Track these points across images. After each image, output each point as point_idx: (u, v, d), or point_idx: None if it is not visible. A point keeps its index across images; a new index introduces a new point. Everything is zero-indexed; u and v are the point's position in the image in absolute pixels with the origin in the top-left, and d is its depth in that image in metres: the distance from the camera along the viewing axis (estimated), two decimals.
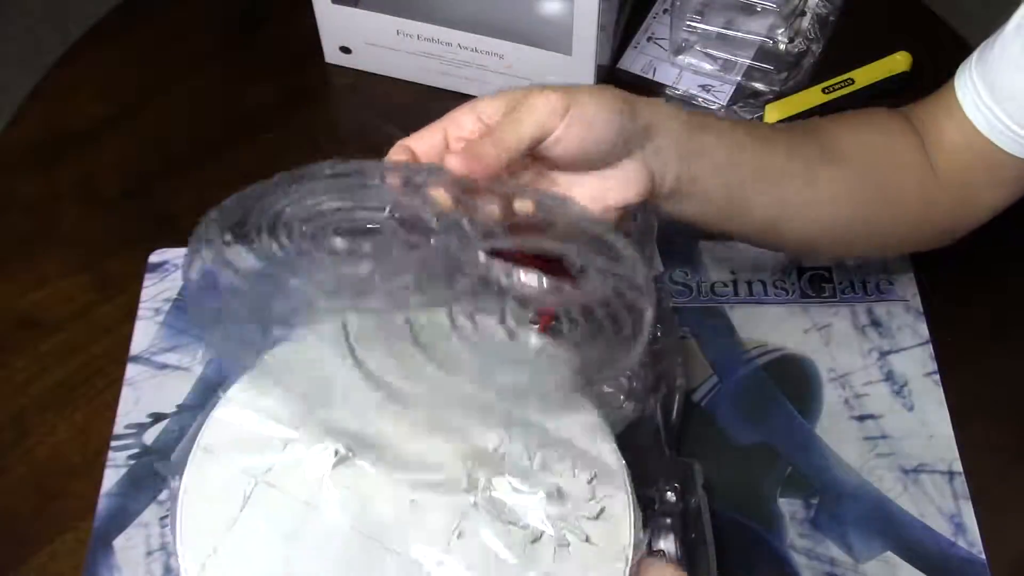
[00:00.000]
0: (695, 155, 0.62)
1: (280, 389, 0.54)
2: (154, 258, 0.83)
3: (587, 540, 0.50)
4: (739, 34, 0.94)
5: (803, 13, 0.93)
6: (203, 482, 0.53)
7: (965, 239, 0.83)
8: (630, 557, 0.49)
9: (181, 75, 0.93)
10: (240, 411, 0.54)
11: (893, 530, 0.71)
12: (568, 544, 0.49)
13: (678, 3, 0.92)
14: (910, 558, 0.69)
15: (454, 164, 0.52)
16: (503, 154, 0.54)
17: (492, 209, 0.54)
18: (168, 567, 0.69)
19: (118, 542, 0.70)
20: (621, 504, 0.51)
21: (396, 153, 0.56)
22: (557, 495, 0.50)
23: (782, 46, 0.93)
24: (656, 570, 0.52)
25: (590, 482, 0.51)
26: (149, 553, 0.69)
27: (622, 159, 0.60)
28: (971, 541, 0.70)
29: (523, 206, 0.54)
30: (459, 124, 0.57)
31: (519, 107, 0.56)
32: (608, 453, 0.52)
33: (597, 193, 0.59)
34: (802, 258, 0.81)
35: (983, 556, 0.69)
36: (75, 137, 0.90)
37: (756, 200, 0.66)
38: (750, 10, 0.94)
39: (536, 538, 0.50)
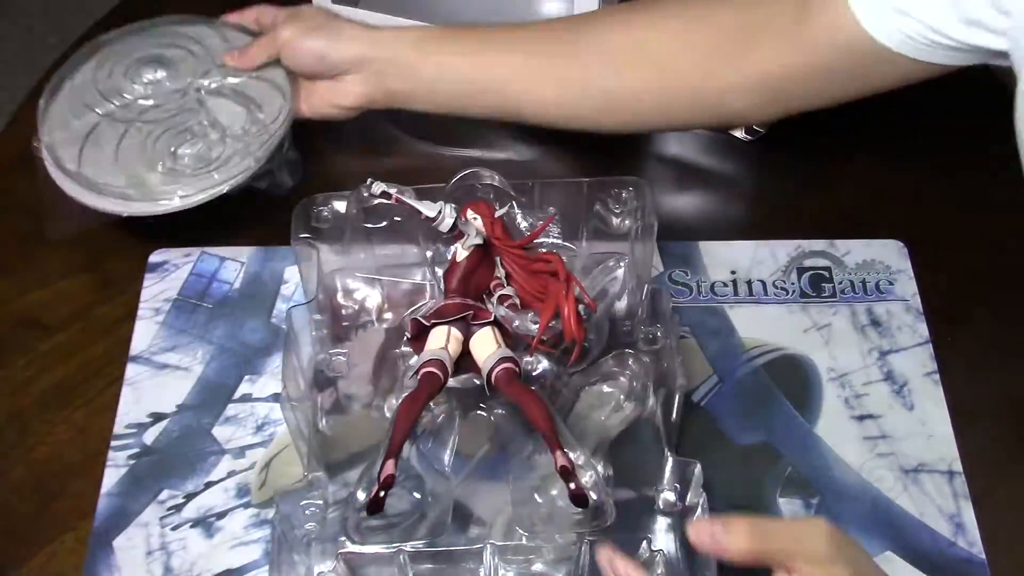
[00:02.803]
0: (418, 75, 0.80)
1: None
2: (154, 258, 0.83)
3: None
4: None
5: None
6: None
7: (965, 239, 0.84)
8: None
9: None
10: None
11: (893, 530, 0.71)
12: None
13: None
14: (910, 558, 0.69)
15: (228, 60, 0.84)
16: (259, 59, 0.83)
17: None
18: (168, 567, 0.69)
19: (118, 542, 0.70)
20: None
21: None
22: None
23: None
24: None
25: None
26: (149, 553, 0.70)
27: (341, 76, 0.81)
28: (971, 541, 0.70)
29: None
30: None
31: (272, 37, 0.82)
32: None
33: (325, 96, 0.82)
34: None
35: (983, 556, 0.69)
36: None
37: (487, 102, 0.81)
38: None
39: None
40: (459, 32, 0.81)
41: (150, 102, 0.83)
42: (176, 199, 0.78)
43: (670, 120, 0.81)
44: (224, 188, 0.78)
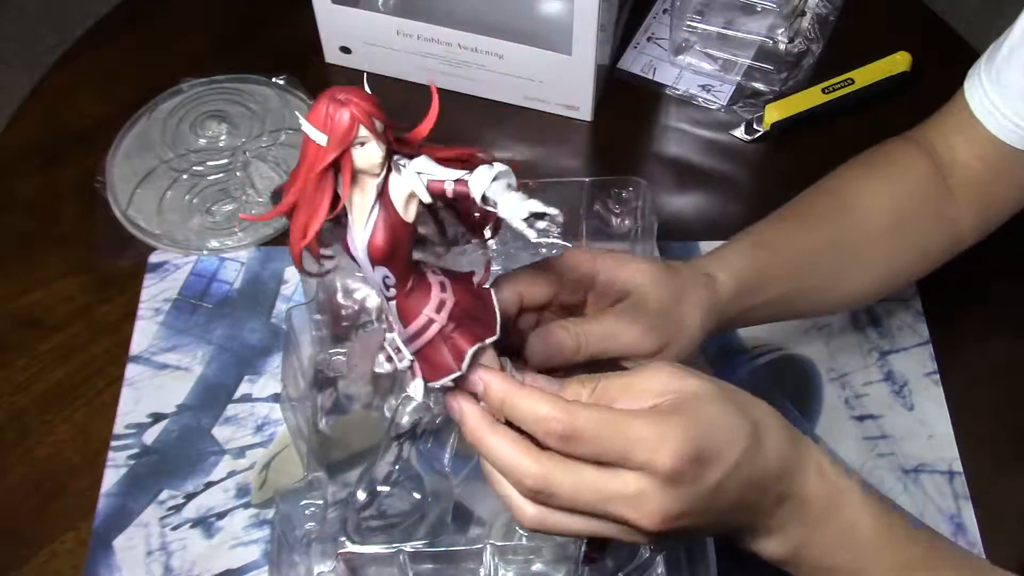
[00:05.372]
0: (734, 321, 0.66)
1: None
2: (154, 258, 0.83)
3: None
4: (739, 34, 0.94)
5: (803, 13, 0.93)
6: None
7: None
8: None
9: (181, 75, 0.93)
10: None
11: None
12: None
13: (678, 3, 0.92)
14: None
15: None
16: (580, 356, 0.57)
17: None
18: (168, 567, 0.69)
19: (118, 542, 0.70)
20: None
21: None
22: None
23: (782, 46, 0.93)
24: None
25: None
26: (149, 553, 0.70)
27: None
28: (971, 541, 0.70)
29: None
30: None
31: (616, 331, 0.58)
32: None
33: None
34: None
35: (983, 556, 0.69)
36: (75, 137, 0.90)
37: (791, 303, 0.68)
38: (750, 10, 0.94)
39: None
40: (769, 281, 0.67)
41: (204, 156, 0.88)
42: (204, 252, 0.83)
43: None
44: (243, 252, 0.83)
